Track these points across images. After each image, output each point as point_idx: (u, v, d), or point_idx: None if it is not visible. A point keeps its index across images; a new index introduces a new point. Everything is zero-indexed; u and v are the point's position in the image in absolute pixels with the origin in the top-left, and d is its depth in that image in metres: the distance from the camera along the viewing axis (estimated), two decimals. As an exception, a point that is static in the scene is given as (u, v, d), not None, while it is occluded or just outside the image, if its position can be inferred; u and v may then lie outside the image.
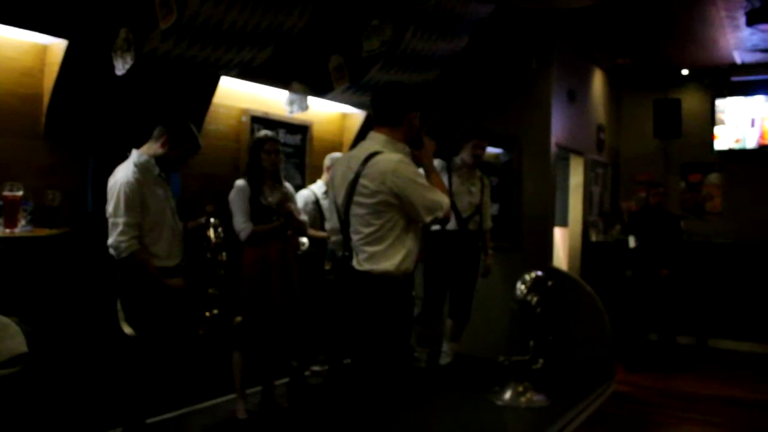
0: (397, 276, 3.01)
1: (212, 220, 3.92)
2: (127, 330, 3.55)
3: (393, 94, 3.18)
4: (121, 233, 3.41)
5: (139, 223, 3.47)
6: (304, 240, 4.70)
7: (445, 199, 3.08)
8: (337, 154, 5.05)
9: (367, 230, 3.01)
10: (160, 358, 3.61)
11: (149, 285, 3.51)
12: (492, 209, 5.99)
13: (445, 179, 5.14)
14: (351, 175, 3.05)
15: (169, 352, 3.66)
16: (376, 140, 3.13)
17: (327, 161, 5.08)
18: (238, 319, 3.95)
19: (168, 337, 3.62)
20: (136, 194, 3.46)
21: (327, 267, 4.90)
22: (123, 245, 3.42)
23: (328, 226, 3.44)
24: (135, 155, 3.58)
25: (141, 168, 3.54)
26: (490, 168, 7.03)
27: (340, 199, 3.12)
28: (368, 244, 3.01)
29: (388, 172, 2.96)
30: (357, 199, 3.03)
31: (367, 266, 3.01)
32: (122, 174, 3.50)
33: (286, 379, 4.91)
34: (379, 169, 2.98)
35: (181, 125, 3.68)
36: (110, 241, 3.45)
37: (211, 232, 3.89)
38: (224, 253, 3.91)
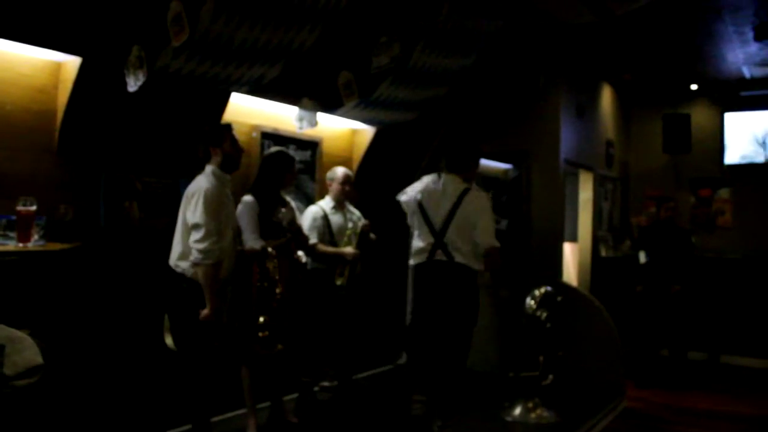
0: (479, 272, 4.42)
1: (269, 250, 4.00)
2: (169, 342, 3.66)
3: (465, 152, 4.55)
4: (213, 240, 3.56)
5: (219, 228, 3.63)
6: (300, 253, 4.75)
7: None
8: (340, 169, 5.09)
9: (465, 239, 4.29)
10: (197, 373, 3.70)
11: (198, 302, 3.62)
12: (501, 224, 6.01)
13: None
14: (449, 204, 4.36)
15: (208, 368, 3.75)
16: (458, 182, 4.45)
17: (327, 179, 5.11)
18: (280, 347, 4.02)
19: (207, 354, 3.72)
20: (216, 200, 3.63)
21: (338, 282, 4.91)
22: (215, 252, 3.57)
23: (421, 241, 4.44)
24: (210, 168, 3.77)
25: (219, 179, 3.74)
26: (498, 183, 7.07)
27: (438, 219, 4.36)
28: (467, 248, 4.29)
29: (484, 201, 4.39)
30: (459, 220, 4.31)
31: (465, 262, 4.29)
32: (203, 180, 3.69)
33: (295, 395, 4.91)
34: (477, 200, 4.36)
35: (211, 129, 3.88)
36: (203, 245, 3.54)
37: (270, 264, 4.01)
38: (281, 286, 4.03)
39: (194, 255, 3.57)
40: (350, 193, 5.12)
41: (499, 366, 5.87)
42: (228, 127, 3.92)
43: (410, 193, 4.95)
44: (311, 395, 4.95)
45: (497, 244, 4.34)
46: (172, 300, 3.72)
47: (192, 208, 3.61)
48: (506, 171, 7.04)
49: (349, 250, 4.93)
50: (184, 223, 3.66)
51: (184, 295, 3.65)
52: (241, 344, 4.06)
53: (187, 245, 3.63)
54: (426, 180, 5.15)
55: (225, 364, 4.04)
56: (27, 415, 2.91)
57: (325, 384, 5.21)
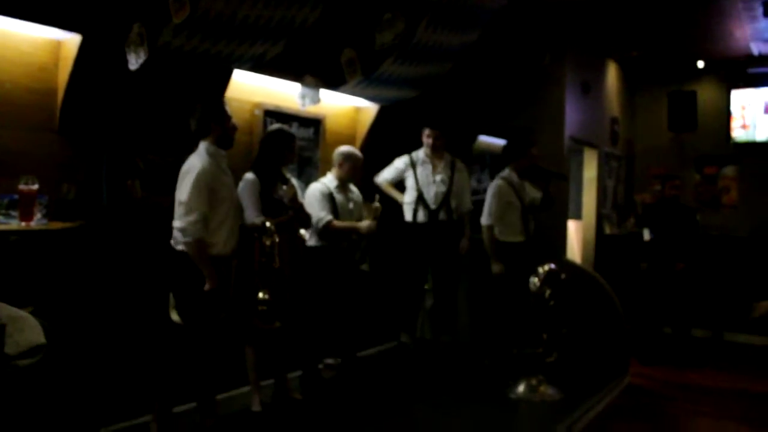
0: None
1: (267, 224, 4.02)
2: (175, 318, 3.69)
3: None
4: (192, 217, 3.56)
5: (207, 214, 3.62)
6: (304, 232, 4.74)
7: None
8: (345, 148, 5.06)
9: None
10: (203, 347, 3.73)
11: (202, 277, 3.63)
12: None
13: (410, 174, 5.35)
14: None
15: (214, 342, 3.78)
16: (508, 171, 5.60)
17: (338, 157, 5.05)
18: (277, 324, 4.03)
19: (213, 327, 3.74)
20: (209, 182, 3.62)
21: (363, 267, 4.96)
22: (191, 229, 3.56)
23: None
24: (204, 145, 3.76)
25: (213, 157, 3.73)
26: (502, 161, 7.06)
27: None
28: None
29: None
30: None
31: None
32: (197, 161, 3.67)
33: (299, 372, 4.93)
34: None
35: (208, 104, 3.84)
36: (179, 223, 3.57)
37: (268, 240, 4.01)
38: (278, 260, 4.02)
39: (174, 234, 3.62)
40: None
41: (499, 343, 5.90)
42: (222, 102, 3.93)
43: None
44: (315, 372, 4.97)
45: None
46: (175, 277, 3.73)
47: (181, 186, 3.64)
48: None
49: (364, 224, 4.90)
50: (177, 199, 3.69)
51: (186, 271, 3.65)
52: (244, 320, 4.07)
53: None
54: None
55: (230, 340, 4.05)
56: (29, 395, 2.92)
57: (329, 362, 5.23)
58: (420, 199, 5.46)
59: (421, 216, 5.46)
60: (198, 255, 3.61)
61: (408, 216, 5.53)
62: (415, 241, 5.46)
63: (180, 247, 3.65)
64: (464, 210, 5.59)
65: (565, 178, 5.71)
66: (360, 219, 5.00)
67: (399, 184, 5.74)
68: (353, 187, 5.15)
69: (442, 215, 5.45)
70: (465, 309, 6.24)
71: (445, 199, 5.46)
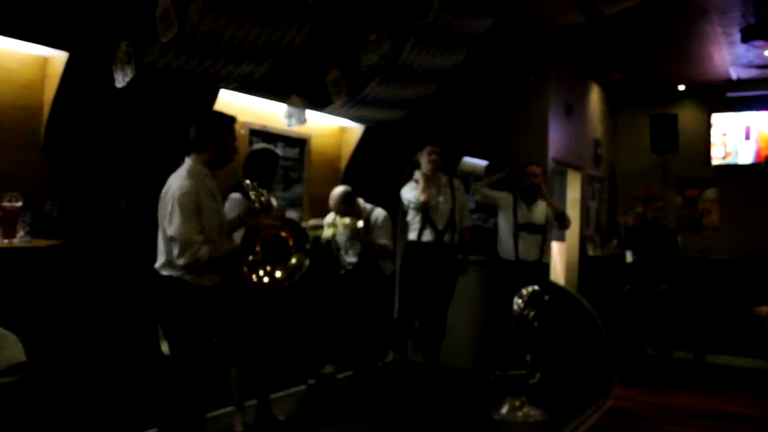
0: None
1: (247, 182, 3.99)
2: (165, 349, 3.46)
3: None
4: (193, 249, 3.26)
5: (202, 229, 3.31)
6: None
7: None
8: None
9: None
10: (192, 375, 3.48)
11: (191, 306, 3.38)
12: (489, 224, 6.08)
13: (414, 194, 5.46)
14: None
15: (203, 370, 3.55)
16: None
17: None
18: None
19: (204, 356, 3.48)
20: (193, 202, 3.30)
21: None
22: (197, 259, 3.27)
23: None
24: (188, 163, 3.44)
25: (195, 178, 3.38)
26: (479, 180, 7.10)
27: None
28: None
29: None
30: None
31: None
32: (176, 184, 3.35)
33: (281, 393, 4.91)
34: None
35: (212, 118, 3.61)
36: (183, 261, 3.26)
37: (255, 200, 3.84)
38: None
39: (187, 272, 3.32)
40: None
41: (483, 364, 5.90)
42: (232, 120, 3.63)
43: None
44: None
45: None
46: (163, 305, 3.47)
47: (168, 219, 3.32)
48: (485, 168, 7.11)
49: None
50: (163, 229, 3.39)
51: (174, 299, 3.39)
52: (231, 344, 4.04)
53: (169, 253, 3.36)
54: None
55: (217, 366, 3.98)
56: (9, 414, 2.88)
57: (311, 382, 5.20)
58: (426, 218, 5.46)
59: (427, 236, 5.44)
60: (222, 254, 3.41)
61: (413, 235, 5.51)
62: (419, 260, 5.45)
63: (166, 273, 3.38)
64: (464, 226, 5.61)
65: (537, 188, 5.76)
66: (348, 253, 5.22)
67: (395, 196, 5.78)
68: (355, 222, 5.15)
69: (447, 237, 5.45)
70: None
71: (450, 220, 5.46)
